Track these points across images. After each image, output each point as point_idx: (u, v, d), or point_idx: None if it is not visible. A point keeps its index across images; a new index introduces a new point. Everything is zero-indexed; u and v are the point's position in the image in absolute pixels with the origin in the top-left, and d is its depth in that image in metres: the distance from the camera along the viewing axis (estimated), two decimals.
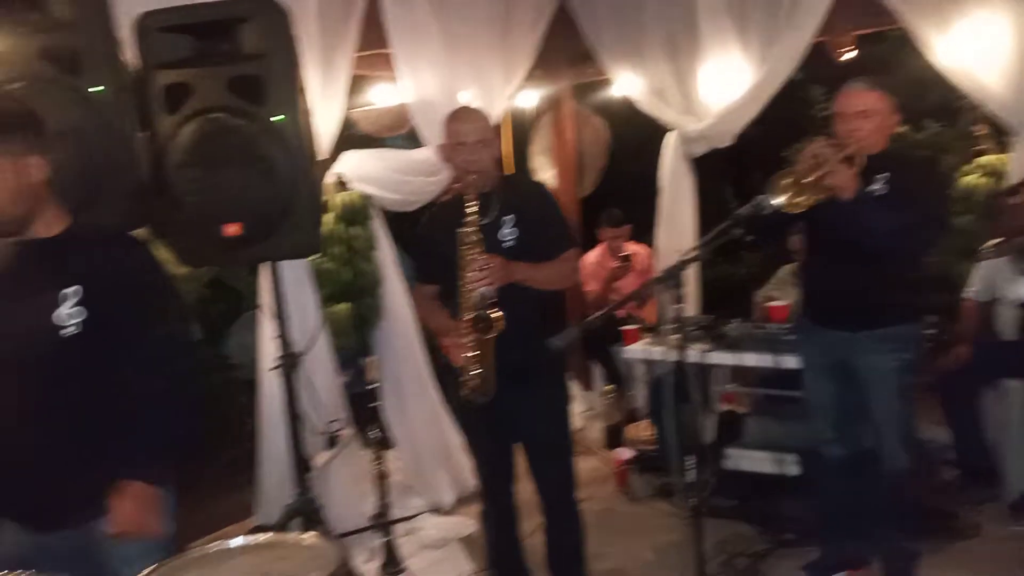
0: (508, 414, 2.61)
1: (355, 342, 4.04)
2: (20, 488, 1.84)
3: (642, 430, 4.24)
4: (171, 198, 2.50)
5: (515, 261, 2.53)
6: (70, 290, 1.78)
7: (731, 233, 2.33)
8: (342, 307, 3.92)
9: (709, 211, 4.77)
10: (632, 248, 5.10)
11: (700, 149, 4.63)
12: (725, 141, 4.48)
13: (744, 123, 4.31)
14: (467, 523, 3.75)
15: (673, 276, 2.31)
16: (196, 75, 2.48)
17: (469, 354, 2.53)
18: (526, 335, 2.48)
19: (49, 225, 1.83)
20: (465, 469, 4.15)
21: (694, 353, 3.49)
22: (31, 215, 1.79)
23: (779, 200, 2.45)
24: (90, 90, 2.35)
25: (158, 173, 2.48)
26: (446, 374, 4.14)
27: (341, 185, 3.95)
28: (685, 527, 3.53)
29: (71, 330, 1.77)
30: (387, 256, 4.15)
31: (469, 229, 2.48)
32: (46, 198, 1.81)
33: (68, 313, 1.77)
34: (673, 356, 3.87)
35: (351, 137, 4.42)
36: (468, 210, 2.49)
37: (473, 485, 4.03)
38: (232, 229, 2.48)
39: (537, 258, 2.60)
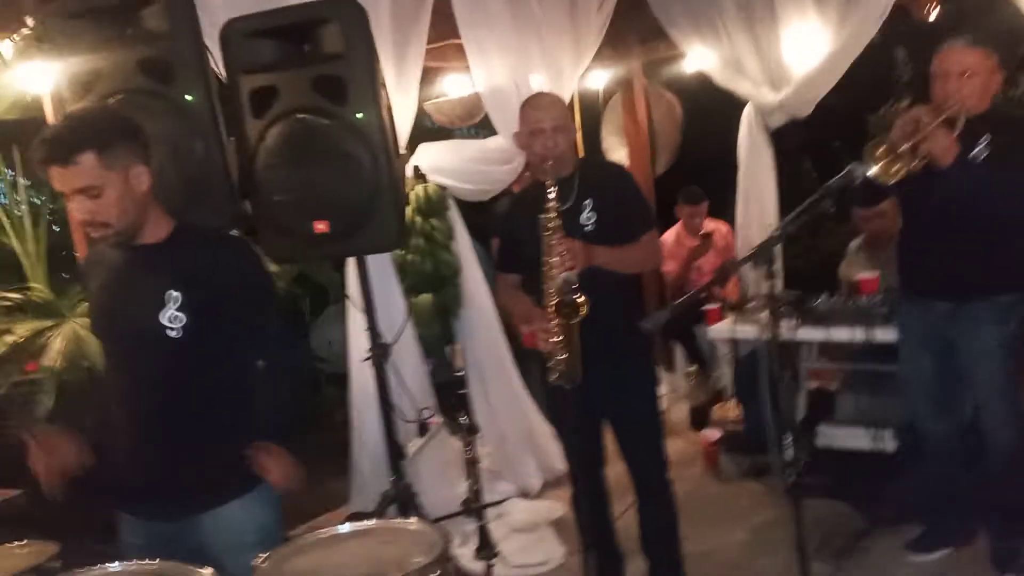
0: (596, 397, 2.61)
1: (438, 331, 4.11)
2: (137, 482, 1.95)
3: (729, 410, 4.19)
4: (261, 198, 2.59)
5: (597, 245, 2.53)
6: (175, 292, 1.86)
7: (822, 206, 2.27)
8: (424, 297, 4.00)
9: (788, 184, 4.66)
10: (711, 225, 5.02)
11: (778, 120, 4.50)
12: (804, 111, 4.35)
13: (824, 91, 4.18)
14: (556, 507, 3.78)
15: (764, 253, 2.26)
16: (280, 78, 2.56)
17: (555, 339, 2.54)
18: (610, 318, 2.48)
19: (156, 231, 1.91)
20: (551, 454, 4.18)
21: (782, 330, 3.43)
22: (140, 223, 1.88)
23: (873, 170, 2.37)
24: (183, 99, 2.45)
25: (248, 175, 2.57)
26: (529, 360, 4.19)
27: (418, 178, 4.01)
28: (780, 507, 3.51)
29: (178, 332, 1.85)
30: (465, 246, 4.21)
31: (549, 215, 2.49)
32: (151, 205, 1.90)
33: (176, 315, 1.86)
34: (760, 334, 3.81)
35: (424, 130, 4.49)
36: (548, 196, 2.49)
37: (560, 469, 4.07)
38: (320, 226, 2.55)
39: (618, 241, 2.59)
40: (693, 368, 4.72)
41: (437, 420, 3.46)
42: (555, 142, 2.58)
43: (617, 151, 5.43)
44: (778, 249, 4.17)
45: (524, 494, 4.01)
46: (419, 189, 4.04)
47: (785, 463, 2.28)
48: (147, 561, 1.67)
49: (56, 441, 1.88)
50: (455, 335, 4.11)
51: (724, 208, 4.90)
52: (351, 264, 3.42)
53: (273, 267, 3.87)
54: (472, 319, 4.13)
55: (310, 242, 2.60)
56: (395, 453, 2.97)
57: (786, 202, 4.46)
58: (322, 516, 3.69)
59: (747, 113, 4.55)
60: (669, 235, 5.05)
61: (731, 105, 4.61)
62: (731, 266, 3.37)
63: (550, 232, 2.48)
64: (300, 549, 1.71)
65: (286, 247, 2.68)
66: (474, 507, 2.96)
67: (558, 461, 4.13)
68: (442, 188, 4.07)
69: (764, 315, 3.92)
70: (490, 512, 3.62)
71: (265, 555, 1.65)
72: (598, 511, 2.85)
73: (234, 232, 2.33)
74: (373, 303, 2.95)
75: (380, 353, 2.91)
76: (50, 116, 3.04)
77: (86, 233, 1.94)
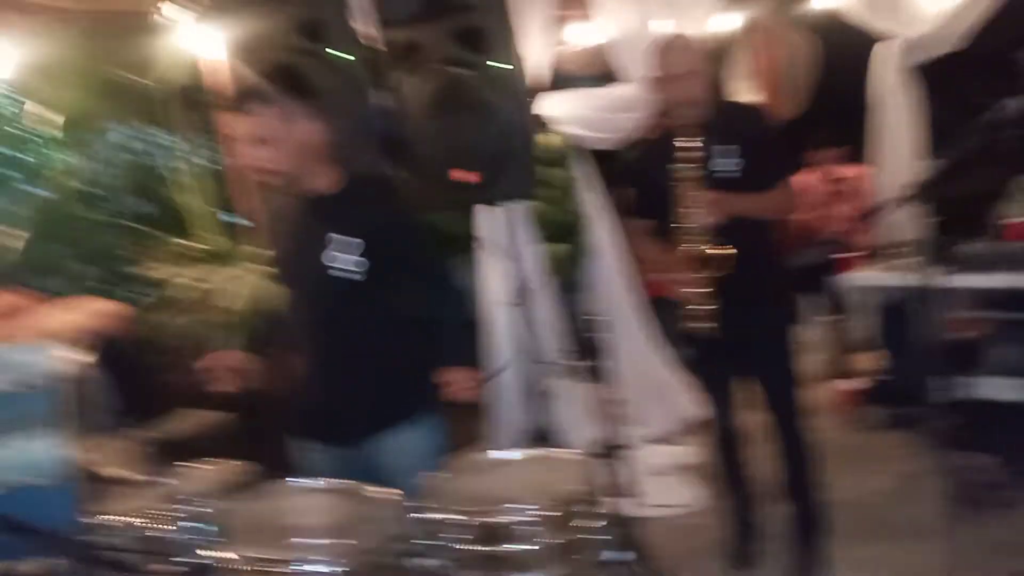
0: (733, 345, 2.62)
1: (569, 279, 4.19)
2: (318, 411, 2.14)
3: (869, 360, 4.08)
4: (406, 149, 2.71)
5: (733, 192, 2.50)
6: (349, 239, 2.00)
7: (972, 145, 2.17)
8: (556, 246, 4.07)
9: (930, 125, 4.41)
10: (847, 171, 4.84)
11: (919, 57, 4.27)
12: (948, 46, 4.10)
13: (970, 23, 3.92)
14: (689, 452, 3.83)
15: (910, 197, 2.20)
16: (423, 31, 2.64)
17: (691, 288, 2.55)
18: (747, 266, 2.47)
19: (327, 181, 2.06)
20: (681, 401, 4.21)
21: (927, 277, 3.30)
22: (309, 173, 2.03)
23: None
24: (334, 56, 2.59)
25: (396, 127, 2.70)
26: (659, 308, 4.21)
27: (546, 127, 4.06)
28: (924, 457, 3.43)
29: (353, 275, 2.00)
30: (593, 196, 4.24)
31: (685, 162, 2.48)
32: (321, 157, 2.04)
33: (348, 260, 2.01)
34: (903, 281, 3.68)
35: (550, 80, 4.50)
36: (683, 143, 2.48)
37: (691, 416, 4.10)
38: (462, 174, 2.65)
39: (756, 187, 2.55)
40: (830, 318, 4.61)
41: (571, 365, 3.56)
42: (689, 87, 2.55)
43: (746, 96, 5.27)
44: (923, 192, 4.00)
45: (654, 440, 4.06)
46: (547, 138, 4.08)
47: (931, 413, 2.23)
48: (330, 480, 1.84)
49: (230, 356, 2.12)
50: (586, 284, 4.18)
51: (860, 152, 4.70)
52: (486, 213, 3.52)
53: None
54: (601, 268, 4.18)
55: (453, 191, 2.71)
56: (534, 395, 3.09)
57: (928, 145, 4.25)
58: (457, 457, 3.87)
59: (884, 50, 4.32)
60: (802, 181, 4.89)
61: (866, 44, 4.39)
62: (872, 212, 3.26)
63: (686, 180, 2.47)
64: (464, 472, 1.84)
65: (432, 197, 2.80)
66: (610, 448, 3.06)
67: (689, 408, 4.16)
68: (570, 137, 4.10)
69: (906, 262, 3.79)
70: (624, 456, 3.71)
71: (433, 475, 1.78)
72: (737, 457, 2.88)
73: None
74: (513, 250, 3.05)
75: (519, 298, 3.02)
76: (214, 77, 3.26)
77: (257, 183, 2.11)
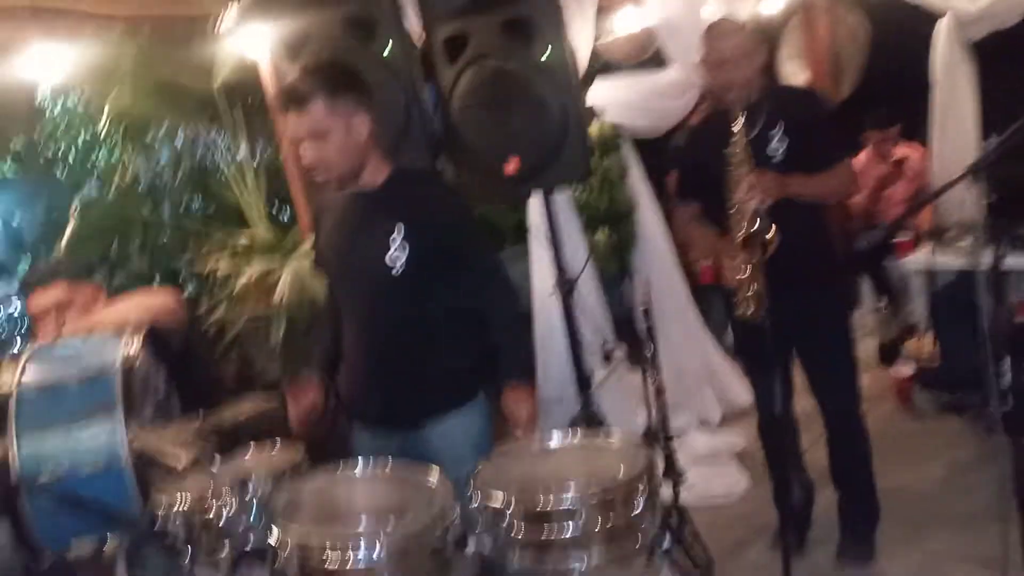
0: (785, 329, 2.58)
1: (614, 267, 4.18)
2: (369, 398, 2.19)
3: (923, 345, 3.99)
4: (456, 142, 2.74)
5: (786, 175, 2.47)
6: (398, 232, 2.04)
7: None
8: (601, 234, 4.07)
9: (992, 102, 4.27)
10: (903, 151, 4.71)
11: (980, 32, 4.12)
12: (1011, 19, 3.95)
13: None
14: (737, 439, 3.80)
15: (970, 177, 2.14)
16: (471, 24, 2.66)
17: (741, 273, 2.52)
18: (800, 249, 2.43)
19: (376, 174, 2.10)
20: (729, 387, 4.19)
21: (986, 260, 3.21)
22: (360, 167, 2.07)
23: None
24: (384, 52, 2.63)
25: (444, 120, 2.72)
26: (707, 294, 4.18)
27: (593, 115, 4.05)
28: (979, 445, 3.35)
29: (401, 268, 2.04)
30: (639, 182, 4.22)
31: (736, 146, 2.46)
32: (371, 151, 2.08)
33: (396, 253, 2.04)
34: (959, 264, 3.59)
35: (596, 68, 4.49)
36: (734, 126, 2.46)
37: (739, 403, 4.07)
38: (512, 167, 2.66)
39: (809, 169, 2.52)
40: (883, 302, 4.52)
41: (619, 352, 3.56)
42: (740, 70, 2.52)
43: (796, 77, 5.17)
44: (982, 172, 3.87)
45: (703, 427, 4.05)
46: (593, 126, 4.08)
47: (984, 400, 2.18)
48: (382, 464, 1.88)
49: (306, 388, 2.15)
50: (631, 271, 4.17)
51: (917, 132, 4.57)
52: (533, 203, 3.54)
53: None
54: (648, 254, 4.17)
55: (502, 182, 2.73)
56: (582, 381, 3.10)
57: (989, 122, 4.11)
58: (506, 443, 3.91)
59: (943, 25, 4.19)
60: (856, 162, 4.79)
61: (924, 20, 4.26)
62: (928, 193, 3.18)
63: (736, 163, 2.45)
64: (514, 458, 1.86)
65: (481, 188, 2.82)
66: (660, 434, 3.05)
67: (737, 395, 4.13)
68: (615, 125, 4.09)
69: (964, 244, 3.68)
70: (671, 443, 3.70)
71: (484, 461, 1.81)
72: (787, 443, 2.85)
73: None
74: (559, 238, 3.06)
75: (566, 286, 3.03)
76: (266, 77, 3.34)
77: (311, 178, 2.15)
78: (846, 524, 2.80)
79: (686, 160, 2.84)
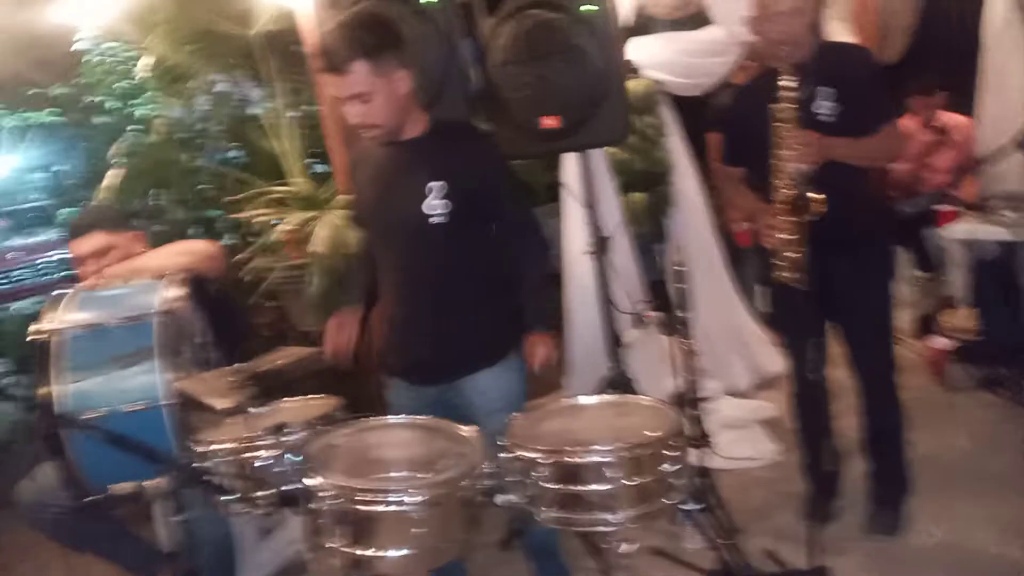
0: (824, 295, 2.56)
1: (649, 230, 4.14)
2: (405, 351, 2.21)
3: (961, 317, 3.92)
4: (494, 95, 2.71)
5: (833, 137, 2.42)
6: (436, 183, 2.03)
7: None
8: (636, 196, 4.02)
9: None
10: (948, 119, 4.58)
11: None
12: None
13: None
14: (766, 406, 3.79)
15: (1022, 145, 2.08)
16: None
17: (783, 236, 2.49)
18: (844, 214, 2.38)
19: (414, 126, 2.09)
20: (760, 354, 4.16)
21: None
22: (404, 121, 2.06)
23: None
24: (422, 3, 2.59)
25: (483, 73, 2.69)
26: (747, 257, 4.13)
27: (632, 73, 3.97)
28: (1013, 419, 3.30)
29: (439, 219, 2.04)
30: (677, 143, 4.15)
31: (783, 105, 2.40)
32: (412, 104, 2.07)
33: (435, 203, 2.04)
34: (1004, 236, 3.51)
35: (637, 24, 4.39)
36: (781, 85, 2.40)
37: (770, 370, 4.04)
38: (550, 121, 2.64)
39: (857, 132, 2.46)
40: (920, 273, 4.44)
41: (651, 314, 3.54)
42: (791, 26, 2.46)
43: (843, 38, 5.02)
44: None
45: (731, 393, 4.03)
46: (631, 85, 4.00)
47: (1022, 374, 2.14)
48: (417, 417, 1.90)
49: (346, 320, 2.18)
50: (666, 234, 4.13)
51: (964, 99, 4.44)
52: (569, 161, 3.50)
53: None
54: (683, 217, 4.11)
55: (539, 137, 2.70)
56: (612, 341, 3.10)
57: None
58: (538, 400, 3.93)
59: None
60: (902, 128, 4.66)
61: None
62: (975, 162, 3.10)
63: (783, 123, 2.40)
64: (546, 414, 1.87)
65: (518, 143, 2.80)
66: (688, 398, 3.05)
67: (768, 362, 4.10)
68: (654, 83, 4.01)
69: (1008, 216, 3.59)
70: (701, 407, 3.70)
71: (518, 415, 1.82)
72: (819, 410, 2.83)
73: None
74: (593, 198, 3.03)
75: (600, 245, 3.01)
76: (304, 26, 3.31)
77: (355, 133, 2.15)
78: (875, 494, 2.79)
79: (730, 120, 2.79)
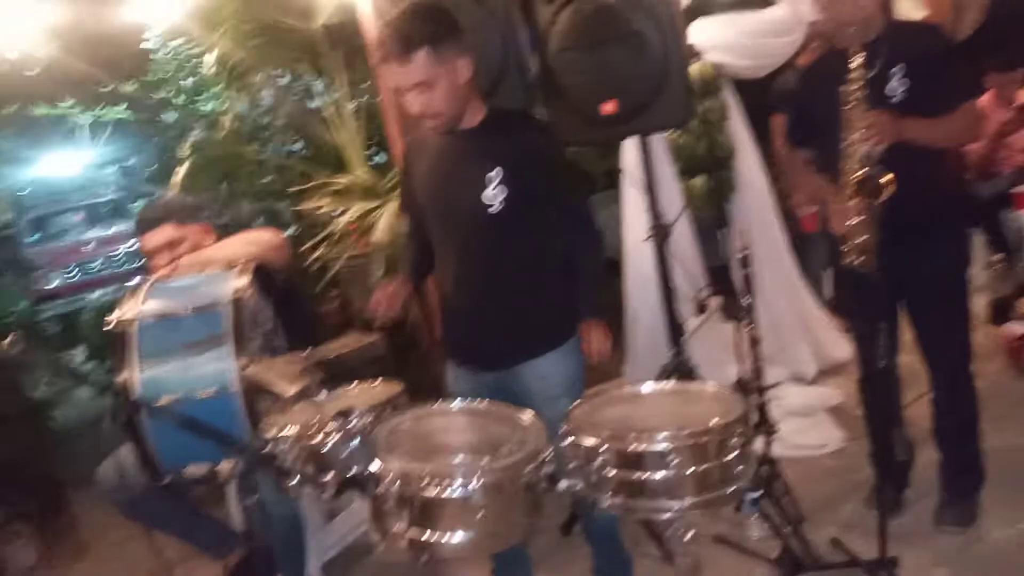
0: (896, 281, 2.48)
1: (711, 215, 4.08)
2: (464, 337, 2.23)
3: None
4: (553, 82, 2.70)
5: (906, 117, 2.34)
6: (494, 172, 2.04)
7: None
8: (698, 180, 3.96)
9: None
10: None
11: None
12: None
13: None
14: (833, 394, 3.70)
15: None
16: None
17: (852, 221, 2.42)
18: (916, 196, 2.30)
19: (472, 115, 2.10)
20: (827, 341, 4.06)
21: None
22: (464, 110, 2.07)
23: None
24: None
25: (541, 60, 2.68)
26: (812, 242, 4.03)
27: (694, 56, 3.91)
28: None
29: (497, 207, 2.05)
30: (739, 126, 4.07)
31: (852, 85, 2.33)
32: (472, 92, 2.08)
33: (493, 192, 2.05)
34: None
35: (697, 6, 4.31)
36: (851, 64, 2.33)
37: (837, 357, 3.95)
38: (609, 107, 2.61)
39: (930, 111, 2.36)
40: (996, 257, 4.26)
41: (713, 301, 3.50)
42: (859, 4, 2.38)
43: (914, 15, 4.84)
44: None
45: (797, 380, 3.95)
46: (693, 67, 3.94)
47: None
48: (479, 402, 1.91)
49: (395, 282, 2.23)
50: (728, 219, 4.06)
51: None
52: (628, 146, 3.47)
53: None
54: (746, 202, 4.04)
55: (599, 123, 2.68)
56: (674, 329, 3.07)
57: None
58: (599, 386, 3.91)
59: None
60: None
61: None
62: None
63: (852, 104, 2.32)
64: (607, 401, 1.86)
65: (577, 130, 2.78)
66: (753, 385, 3.00)
67: (834, 349, 4.01)
68: (717, 65, 3.94)
69: None
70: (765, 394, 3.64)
71: (579, 402, 1.82)
72: (888, 399, 2.75)
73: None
74: (654, 183, 3.00)
75: (660, 232, 2.98)
76: (366, 18, 3.35)
77: (411, 124, 2.17)
78: (947, 485, 2.70)
79: (796, 102, 2.71)
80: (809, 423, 3.49)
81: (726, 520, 2.72)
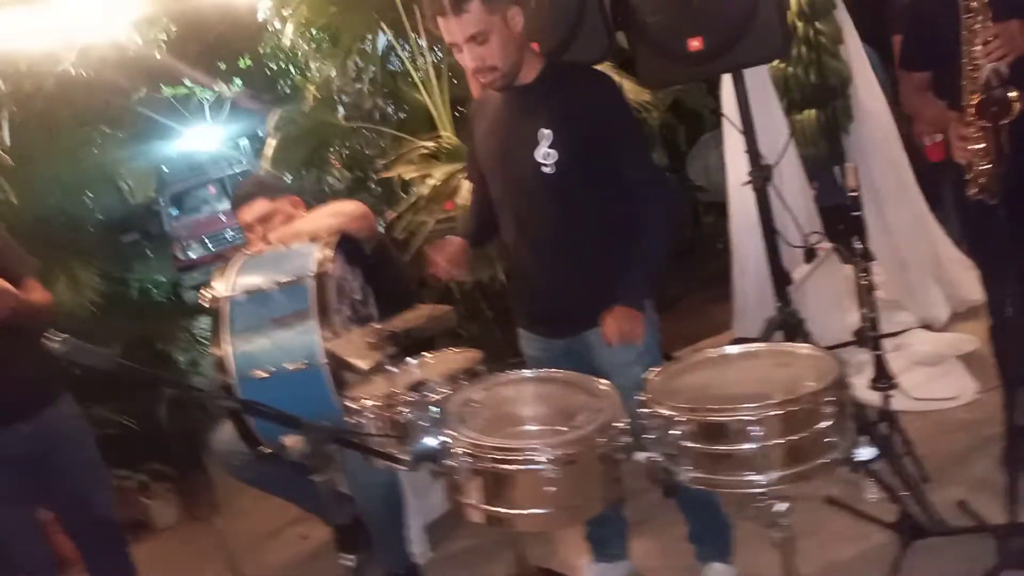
0: None
1: (825, 150, 3.79)
2: (531, 302, 2.18)
3: None
4: (634, 24, 2.53)
5: None
6: (550, 130, 1.95)
7: None
8: (808, 114, 3.67)
9: None
10: None
11: None
12: None
13: None
14: (966, 340, 3.39)
15: None
16: None
17: (976, 146, 2.16)
18: None
19: (528, 70, 2.01)
20: (960, 282, 3.71)
21: None
22: (520, 63, 1.98)
23: None
24: None
25: (621, 4, 2.53)
26: (940, 174, 3.67)
27: None
28: None
29: (552, 168, 1.96)
30: (856, 51, 3.72)
31: None
32: (526, 45, 1.98)
33: (549, 152, 1.96)
34: None
35: None
36: None
37: (972, 299, 3.60)
38: (695, 43, 2.43)
39: None
40: None
41: (825, 246, 3.25)
42: None
43: None
44: None
45: (927, 326, 3.64)
46: None
47: None
48: (554, 371, 1.86)
49: (454, 242, 2.19)
50: (845, 154, 3.75)
51: None
52: (726, 82, 3.24)
53: (646, 96, 3.85)
54: (865, 135, 3.70)
55: (686, 62, 2.51)
56: (780, 279, 2.87)
57: None
58: (703, 341, 3.77)
59: None
60: None
61: None
62: None
63: (974, 15, 2.05)
64: (688, 367, 1.76)
65: (662, 71, 2.62)
66: (869, 336, 2.78)
67: (969, 290, 3.65)
68: None
69: None
70: (888, 344, 3.37)
71: (656, 370, 1.72)
72: (1020, 352, 2.47)
73: (600, 68, 2.33)
74: (752, 123, 2.78)
75: (761, 176, 2.77)
76: None
77: (478, 80, 2.09)
78: None
79: (913, 19, 2.47)
80: (939, 372, 3.22)
81: (840, 481, 2.55)
